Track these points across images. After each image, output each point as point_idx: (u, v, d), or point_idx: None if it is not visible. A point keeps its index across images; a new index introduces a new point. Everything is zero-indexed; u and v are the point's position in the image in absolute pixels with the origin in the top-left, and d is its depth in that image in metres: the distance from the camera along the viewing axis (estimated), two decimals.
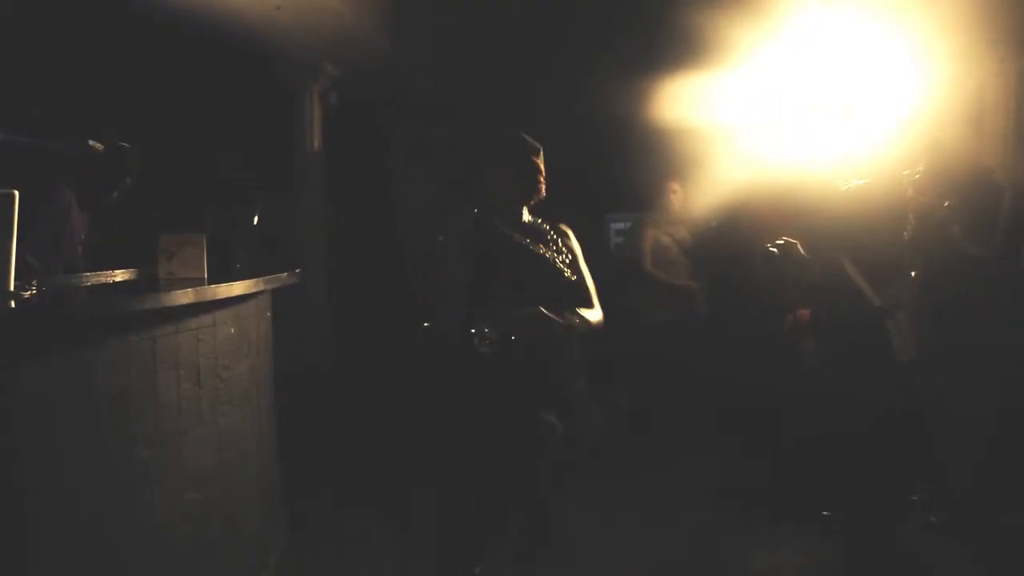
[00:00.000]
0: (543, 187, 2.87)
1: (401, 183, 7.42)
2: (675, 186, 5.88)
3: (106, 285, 3.05)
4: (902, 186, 3.80)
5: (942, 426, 3.73)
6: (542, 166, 2.85)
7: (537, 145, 2.86)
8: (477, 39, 6.33)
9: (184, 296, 2.62)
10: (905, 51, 4.62)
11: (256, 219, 4.28)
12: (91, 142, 4.04)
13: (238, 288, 2.92)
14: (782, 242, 3.34)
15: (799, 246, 3.32)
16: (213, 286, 2.78)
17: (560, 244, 2.91)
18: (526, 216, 2.91)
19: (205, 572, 2.92)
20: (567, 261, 2.88)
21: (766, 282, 3.98)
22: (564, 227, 2.99)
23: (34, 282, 2.53)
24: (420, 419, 4.73)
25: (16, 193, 2.38)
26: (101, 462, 2.52)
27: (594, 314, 2.85)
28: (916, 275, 3.78)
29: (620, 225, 8.66)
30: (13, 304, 2.34)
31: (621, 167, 6.68)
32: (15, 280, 2.42)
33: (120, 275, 3.27)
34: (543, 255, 2.83)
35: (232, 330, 3.11)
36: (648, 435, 5.25)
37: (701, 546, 3.82)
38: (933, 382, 3.61)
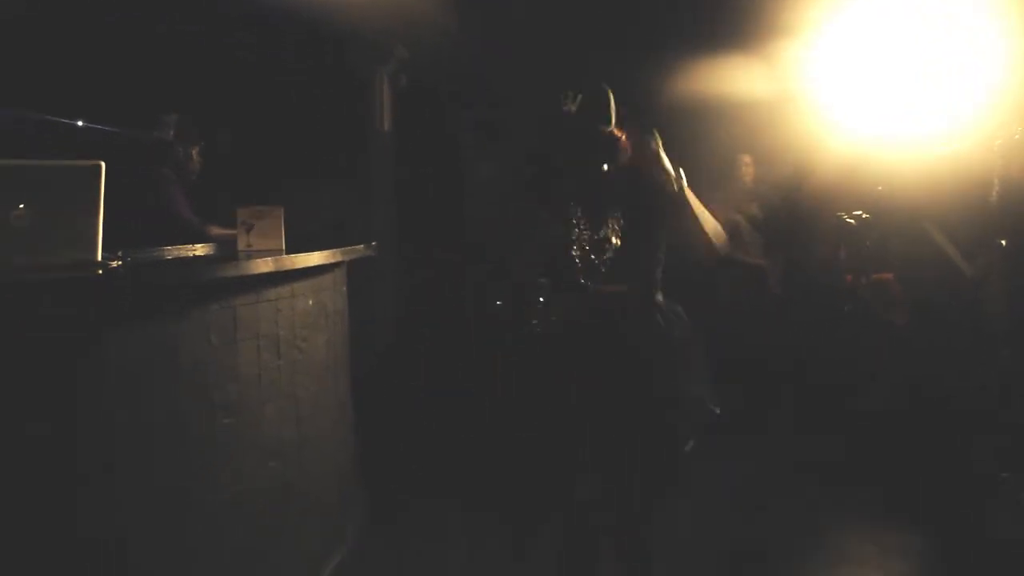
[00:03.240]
0: (619, 152, 2.69)
1: (469, 164, 7.39)
2: (747, 159, 5.71)
3: (188, 257, 3.09)
4: (990, 153, 3.61)
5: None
6: (616, 132, 2.69)
7: (604, 109, 2.67)
8: (545, 20, 6.26)
9: (263, 264, 2.64)
10: (992, 17, 4.39)
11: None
12: (158, 130, 4.22)
13: (316, 258, 2.92)
14: (858, 213, 3.20)
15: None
16: (291, 256, 2.80)
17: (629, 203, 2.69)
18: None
19: (281, 545, 2.93)
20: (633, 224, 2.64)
21: (840, 254, 3.85)
22: (637, 172, 2.69)
23: (119, 252, 2.57)
24: (498, 401, 4.74)
25: (103, 164, 2.41)
26: (183, 428, 2.56)
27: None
28: (1006, 244, 3.58)
29: None
30: (100, 273, 2.38)
31: (691, 147, 6.54)
32: (102, 251, 2.46)
33: (201, 249, 3.31)
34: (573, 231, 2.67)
35: (310, 302, 3.12)
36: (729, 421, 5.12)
37: (790, 527, 3.73)
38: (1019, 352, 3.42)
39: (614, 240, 2.64)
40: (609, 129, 2.64)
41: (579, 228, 2.67)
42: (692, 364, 2.73)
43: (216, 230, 4.10)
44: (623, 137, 2.68)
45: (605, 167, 2.68)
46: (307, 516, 3.09)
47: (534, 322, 2.78)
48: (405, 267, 6.74)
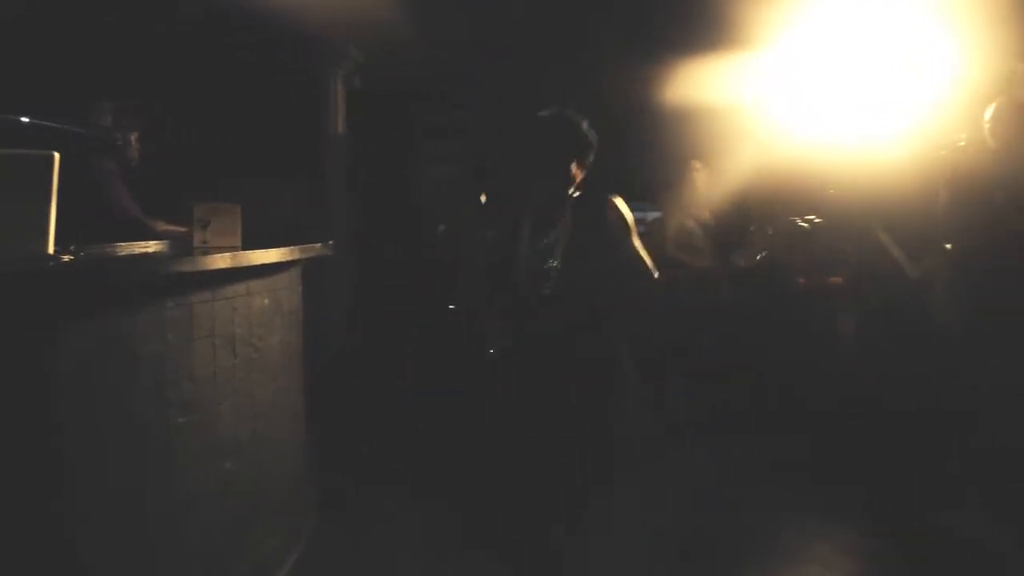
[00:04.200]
0: (576, 175, 2.88)
1: (423, 165, 7.40)
2: (698, 164, 5.80)
3: (143, 254, 3.03)
4: (937, 160, 3.74)
5: (983, 399, 3.66)
6: (578, 151, 2.86)
7: (571, 128, 2.85)
8: (498, 25, 6.29)
9: (221, 260, 2.60)
10: (940, 28, 4.55)
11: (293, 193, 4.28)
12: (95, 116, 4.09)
13: (274, 255, 2.90)
14: (810, 218, 3.30)
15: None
16: (249, 252, 2.77)
17: (585, 223, 2.85)
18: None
19: (237, 543, 2.90)
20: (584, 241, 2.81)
21: (792, 258, 3.94)
22: (607, 200, 2.87)
23: (72, 247, 2.51)
24: (452, 395, 4.78)
25: (56, 155, 2.36)
26: (137, 427, 2.51)
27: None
28: (952, 248, 3.71)
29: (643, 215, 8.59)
30: (52, 266, 2.33)
31: (643, 153, 6.63)
32: (55, 245, 2.41)
33: (154, 246, 3.25)
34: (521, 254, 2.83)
35: (266, 301, 3.09)
36: (680, 417, 5.20)
37: (741, 522, 3.79)
38: (972, 354, 3.54)
39: (558, 259, 2.79)
40: (572, 159, 2.81)
41: (527, 245, 2.84)
42: (628, 383, 2.89)
43: (164, 226, 4.01)
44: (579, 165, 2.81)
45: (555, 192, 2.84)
46: (263, 515, 3.06)
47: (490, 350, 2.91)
48: (358, 266, 6.72)
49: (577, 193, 2.89)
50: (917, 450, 3.88)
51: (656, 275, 2.84)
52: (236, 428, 2.90)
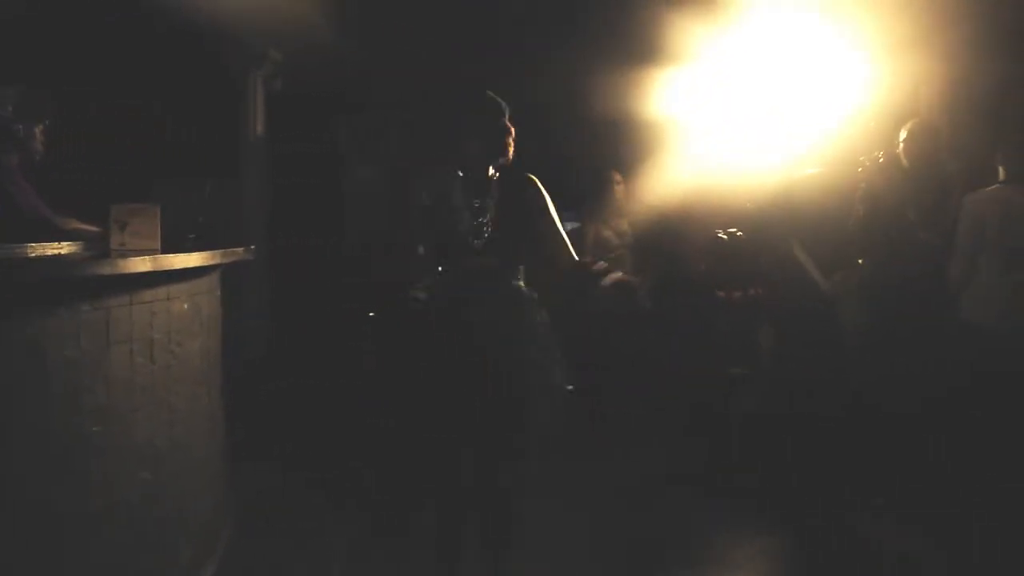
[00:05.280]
0: (511, 148, 2.89)
1: (347, 168, 7.32)
2: (617, 176, 5.89)
3: (56, 255, 2.92)
4: (854, 176, 3.91)
5: (888, 408, 3.83)
6: (510, 127, 2.88)
7: (504, 106, 2.88)
8: (421, 28, 6.28)
9: (141, 264, 2.53)
10: (846, 50, 4.75)
11: (207, 192, 4.14)
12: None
13: (195, 259, 2.83)
14: (732, 230, 3.41)
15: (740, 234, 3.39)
16: (170, 256, 2.70)
17: (507, 198, 2.94)
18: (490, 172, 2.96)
19: (154, 557, 2.81)
20: (507, 216, 2.90)
21: (711, 270, 4.05)
22: (526, 177, 2.98)
23: None
24: (368, 401, 4.76)
25: None
26: (50, 436, 2.42)
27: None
28: (863, 262, 3.88)
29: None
30: None
31: (566, 163, 6.71)
32: None
33: (67, 247, 3.13)
34: (462, 215, 2.89)
35: (185, 306, 3.01)
36: (595, 423, 5.27)
37: (654, 534, 3.83)
38: (878, 364, 3.71)
39: (490, 227, 2.88)
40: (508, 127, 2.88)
41: (464, 214, 2.90)
42: (549, 344, 2.96)
43: (74, 224, 3.81)
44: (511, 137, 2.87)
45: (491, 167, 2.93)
46: (180, 526, 2.97)
47: (417, 296, 2.95)
48: (276, 271, 6.60)
49: (498, 174, 2.97)
50: (830, 452, 4.01)
51: (576, 258, 2.98)
52: (152, 436, 2.81)
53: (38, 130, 3.91)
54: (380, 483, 4.17)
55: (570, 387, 3.03)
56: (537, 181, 2.99)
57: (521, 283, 2.97)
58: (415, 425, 3.12)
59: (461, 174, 2.96)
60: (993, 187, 3.78)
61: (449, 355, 2.84)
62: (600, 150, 5.99)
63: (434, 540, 2.98)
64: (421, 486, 3.22)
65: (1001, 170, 3.78)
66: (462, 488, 2.97)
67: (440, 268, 2.99)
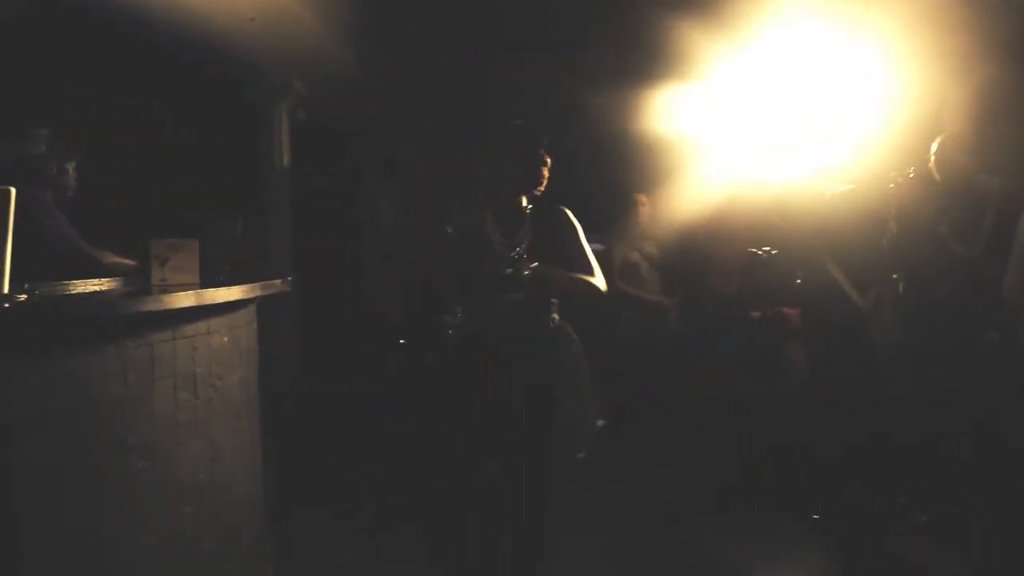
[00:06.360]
0: (545, 177, 2.88)
1: (370, 198, 7.35)
2: (643, 199, 5.87)
3: (101, 292, 2.92)
4: (884, 191, 3.88)
5: (925, 425, 3.77)
6: (547, 157, 2.87)
7: (540, 135, 2.88)
8: (443, 57, 6.32)
9: (185, 299, 2.53)
10: (873, 64, 4.73)
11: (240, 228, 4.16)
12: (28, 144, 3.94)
13: (236, 293, 2.83)
14: (767, 248, 3.39)
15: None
16: (212, 289, 2.70)
17: (542, 230, 2.93)
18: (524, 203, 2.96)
19: None
20: (541, 248, 2.88)
21: (746, 289, 4.03)
22: (560, 210, 2.99)
23: (26, 286, 2.41)
24: (399, 434, 4.74)
25: (12, 190, 2.27)
26: (96, 474, 2.41)
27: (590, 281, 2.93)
28: (898, 277, 3.84)
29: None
30: (7, 307, 2.23)
31: (589, 185, 6.70)
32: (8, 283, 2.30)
33: (109, 283, 3.14)
34: (495, 246, 2.88)
35: (225, 339, 3.01)
36: (627, 446, 5.22)
37: (689, 552, 3.80)
38: (916, 381, 3.65)
39: (524, 258, 2.87)
40: (545, 159, 2.90)
41: (496, 245, 2.91)
42: (581, 378, 2.98)
43: (111, 258, 3.85)
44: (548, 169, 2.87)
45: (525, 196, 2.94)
46: (223, 561, 2.95)
47: (449, 330, 2.93)
48: (302, 303, 6.60)
49: (530, 206, 2.98)
50: (867, 476, 3.96)
51: (604, 285, 2.96)
52: (196, 471, 2.80)
53: (70, 167, 4.00)
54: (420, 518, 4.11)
55: (601, 422, 3.03)
56: (570, 213, 2.99)
57: (555, 315, 2.95)
58: (450, 458, 3.10)
59: (492, 204, 2.95)
60: None
61: (482, 390, 2.83)
62: (624, 171, 5.97)
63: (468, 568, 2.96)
64: (456, 518, 3.18)
65: None
66: (496, 520, 2.94)
67: (470, 299, 2.97)
